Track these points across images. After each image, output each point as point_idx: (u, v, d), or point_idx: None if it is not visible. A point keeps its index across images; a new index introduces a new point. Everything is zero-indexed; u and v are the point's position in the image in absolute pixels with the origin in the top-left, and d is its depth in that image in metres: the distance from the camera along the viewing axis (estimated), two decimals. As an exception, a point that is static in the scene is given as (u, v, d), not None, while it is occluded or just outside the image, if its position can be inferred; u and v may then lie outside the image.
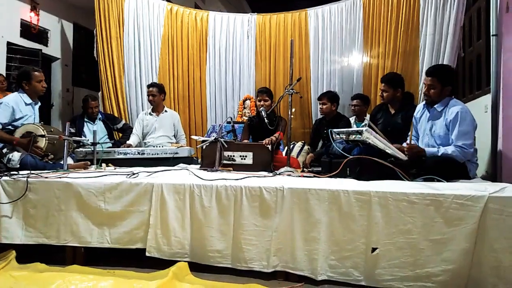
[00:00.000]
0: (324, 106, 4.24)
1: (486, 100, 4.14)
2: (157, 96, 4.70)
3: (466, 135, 2.83)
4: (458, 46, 4.71)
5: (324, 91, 4.94)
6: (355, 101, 4.81)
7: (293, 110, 4.43)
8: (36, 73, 3.54)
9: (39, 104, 3.69)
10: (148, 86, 4.84)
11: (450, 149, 2.83)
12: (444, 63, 4.61)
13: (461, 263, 2.07)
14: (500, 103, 3.72)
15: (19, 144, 3.19)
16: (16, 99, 3.43)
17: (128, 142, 4.62)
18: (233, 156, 3.40)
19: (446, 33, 4.75)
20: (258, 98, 4.14)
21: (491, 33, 3.85)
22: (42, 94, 3.67)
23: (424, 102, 3.22)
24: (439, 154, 2.84)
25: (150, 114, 4.81)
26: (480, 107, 4.32)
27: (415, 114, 3.28)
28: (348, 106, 5.19)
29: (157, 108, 4.81)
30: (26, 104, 3.47)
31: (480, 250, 2.06)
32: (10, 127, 3.35)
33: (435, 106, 3.04)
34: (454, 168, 2.79)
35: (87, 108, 4.82)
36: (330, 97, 4.24)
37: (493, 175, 3.74)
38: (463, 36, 4.83)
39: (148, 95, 4.76)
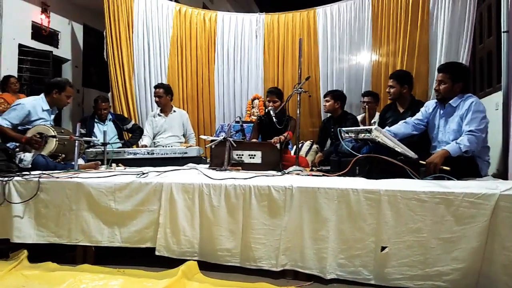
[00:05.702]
0: (328, 103, 4.26)
1: (497, 98, 4.08)
2: (163, 97, 4.71)
3: (478, 122, 2.78)
4: (470, 43, 4.64)
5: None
6: (366, 97, 4.78)
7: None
8: (70, 88, 3.61)
9: (57, 112, 3.72)
10: (155, 87, 4.85)
11: (464, 140, 2.74)
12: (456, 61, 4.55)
13: (472, 261, 2.05)
14: (511, 100, 3.67)
15: (27, 142, 3.18)
16: (34, 103, 3.43)
17: (142, 143, 4.67)
18: (242, 155, 3.41)
19: (457, 31, 4.68)
20: (267, 99, 4.15)
21: (502, 30, 3.80)
22: (61, 109, 3.68)
23: (435, 100, 3.19)
24: (463, 150, 2.74)
25: (159, 115, 4.84)
26: (491, 105, 4.26)
27: (426, 106, 3.23)
28: (359, 103, 5.16)
29: (165, 109, 4.83)
30: (43, 110, 3.48)
31: (491, 249, 2.04)
32: (20, 127, 3.38)
33: (450, 102, 3.00)
34: (465, 166, 2.76)
35: (97, 109, 4.86)
36: (334, 95, 4.25)
37: (504, 173, 3.69)
38: (474, 32, 4.76)
39: (155, 96, 4.79)
